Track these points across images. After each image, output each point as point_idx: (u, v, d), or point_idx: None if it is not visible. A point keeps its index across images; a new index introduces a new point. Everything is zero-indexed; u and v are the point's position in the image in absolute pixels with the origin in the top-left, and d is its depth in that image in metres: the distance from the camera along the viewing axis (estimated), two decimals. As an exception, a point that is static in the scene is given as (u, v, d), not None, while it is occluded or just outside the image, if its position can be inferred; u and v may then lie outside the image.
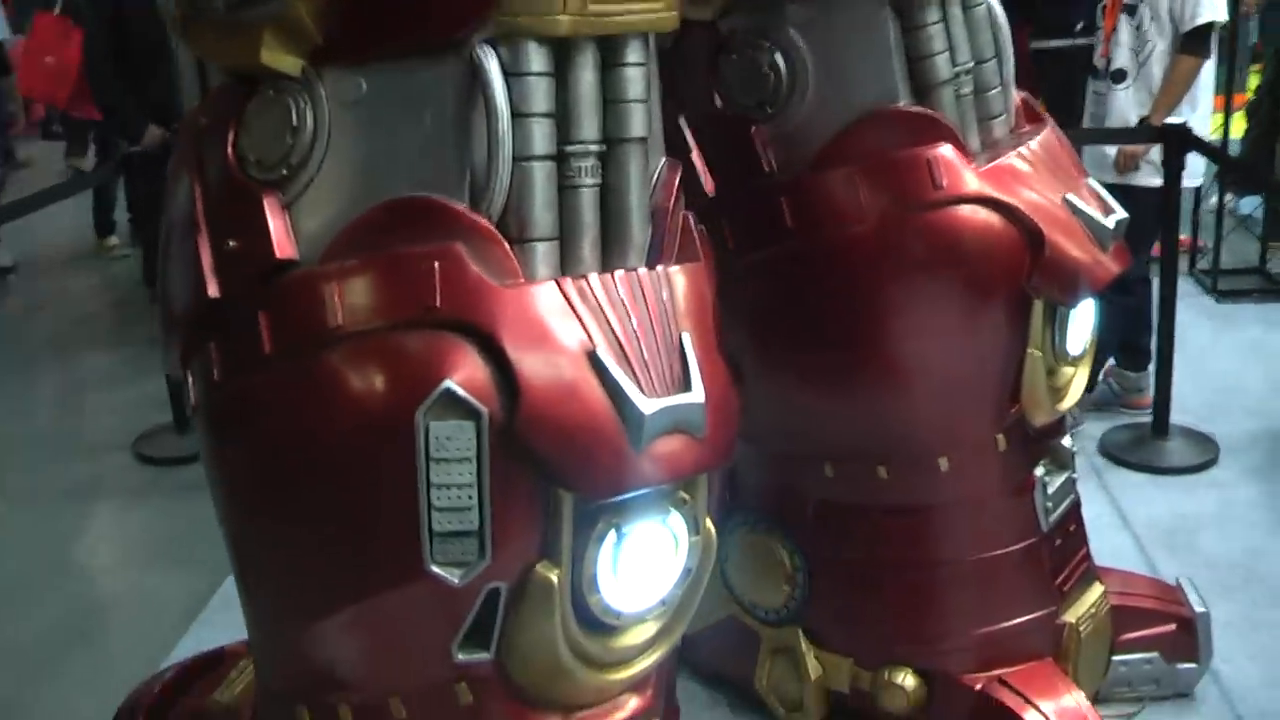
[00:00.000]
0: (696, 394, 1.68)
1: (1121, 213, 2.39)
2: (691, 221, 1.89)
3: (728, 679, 2.86)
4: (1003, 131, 2.42)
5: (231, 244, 1.77)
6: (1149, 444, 4.03)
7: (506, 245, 1.67)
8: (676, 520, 1.77)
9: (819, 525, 2.62)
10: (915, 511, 2.52)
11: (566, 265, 1.74)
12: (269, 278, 1.72)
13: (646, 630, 1.81)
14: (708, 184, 2.42)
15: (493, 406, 1.61)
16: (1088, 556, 2.72)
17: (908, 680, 2.57)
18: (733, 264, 2.43)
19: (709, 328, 1.79)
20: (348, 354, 1.66)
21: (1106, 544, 3.40)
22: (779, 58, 2.30)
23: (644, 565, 1.76)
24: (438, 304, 1.63)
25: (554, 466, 1.64)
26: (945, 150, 2.26)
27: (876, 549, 2.57)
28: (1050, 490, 2.56)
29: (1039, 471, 2.55)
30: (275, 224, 1.73)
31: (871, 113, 2.28)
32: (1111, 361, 4.35)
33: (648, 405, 1.63)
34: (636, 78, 1.78)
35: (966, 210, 2.27)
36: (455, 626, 1.71)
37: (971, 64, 2.35)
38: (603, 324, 1.66)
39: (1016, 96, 2.51)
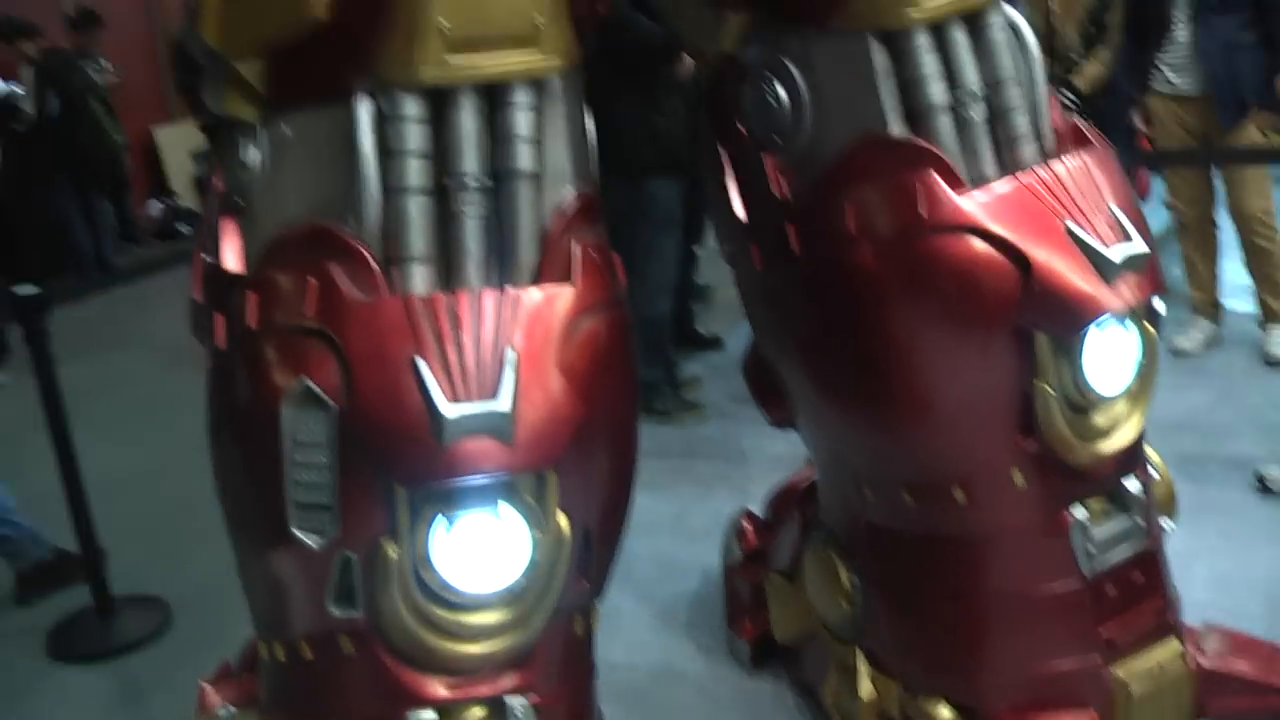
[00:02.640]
0: (501, 404, 1.88)
1: (1138, 245, 2.24)
2: (577, 249, 2.06)
3: (814, 693, 2.92)
4: (1032, 154, 2.33)
5: (208, 259, 2.17)
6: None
7: (373, 264, 1.96)
8: (510, 514, 1.97)
9: (870, 546, 2.64)
10: (944, 541, 2.48)
11: (451, 282, 2.00)
12: (225, 287, 2.11)
13: (498, 613, 2.02)
14: (739, 209, 2.55)
15: (342, 403, 1.91)
16: (1162, 611, 2.53)
17: (943, 712, 2.54)
18: (763, 285, 2.57)
19: (548, 345, 1.96)
20: (253, 350, 2.02)
21: None
22: (781, 88, 2.38)
23: (478, 552, 1.97)
24: (309, 314, 1.96)
25: (379, 456, 1.91)
26: (929, 177, 2.25)
27: (915, 576, 2.56)
28: (1097, 535, 2.43)
29: (1079, 514, 2.42)
30: (230, 244, 2.12)
31: (861, 140, 2.31)
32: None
33: (450, 409, 1.86)
34: (521, 118, 2.01)
35: (950, 238, 2.24)
36: (322, 585, 2.01)
37: (981, 88, 2.30)
38: (434, 336, 1.90)
39: (1060, 119, 2.41)
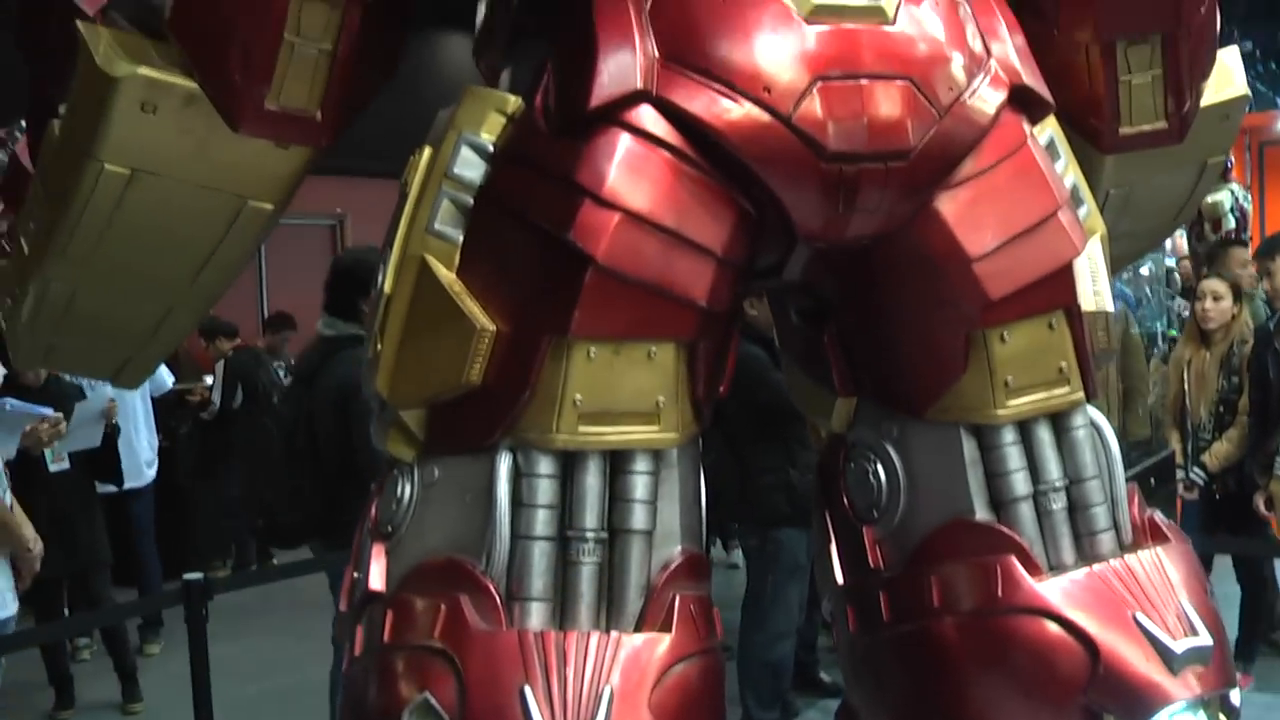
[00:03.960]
0: None
1: (1203, 640, 2.39)
2: (678, 601, 2.30)
3: None
4: (1109, 546, 2.54)
5: (356, 575, 2.47)
6: None
7: (497, 600, 2.24)
8: None
9: None
10: None
11: (564, 621, 2.26)
12: (366, 603, 2.40)
13: None
14: (839, 573, 2.77)
15: (455, 717, 2.15)
16: None
17: None
18: (856, 645, 2.75)
19: (641, 686, 2.19)
20: (386, 660, 2.29)
21: None
22: (880, 468, 2.63)
23: None
24: (436, 636, 2.23)
25: None
26: (1008, 561, 2.45)
27: None
28: None
29: None
30: (376, 565, 2.41)
31: (949, 522, 2.53)
32: None
33: None
34: (639, 483, 2.31)
35: (1025, 619, 2.43)
36: None
37: (1063, 481, 2.53)
38: (542, 669, 2.15)
39: (1139, 514, 2.60)
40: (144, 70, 2.34)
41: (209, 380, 9.97)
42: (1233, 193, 10.26)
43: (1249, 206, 10.80)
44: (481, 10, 2.73)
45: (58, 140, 2.55)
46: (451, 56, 11.44)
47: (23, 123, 2.95)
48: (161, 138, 2.40)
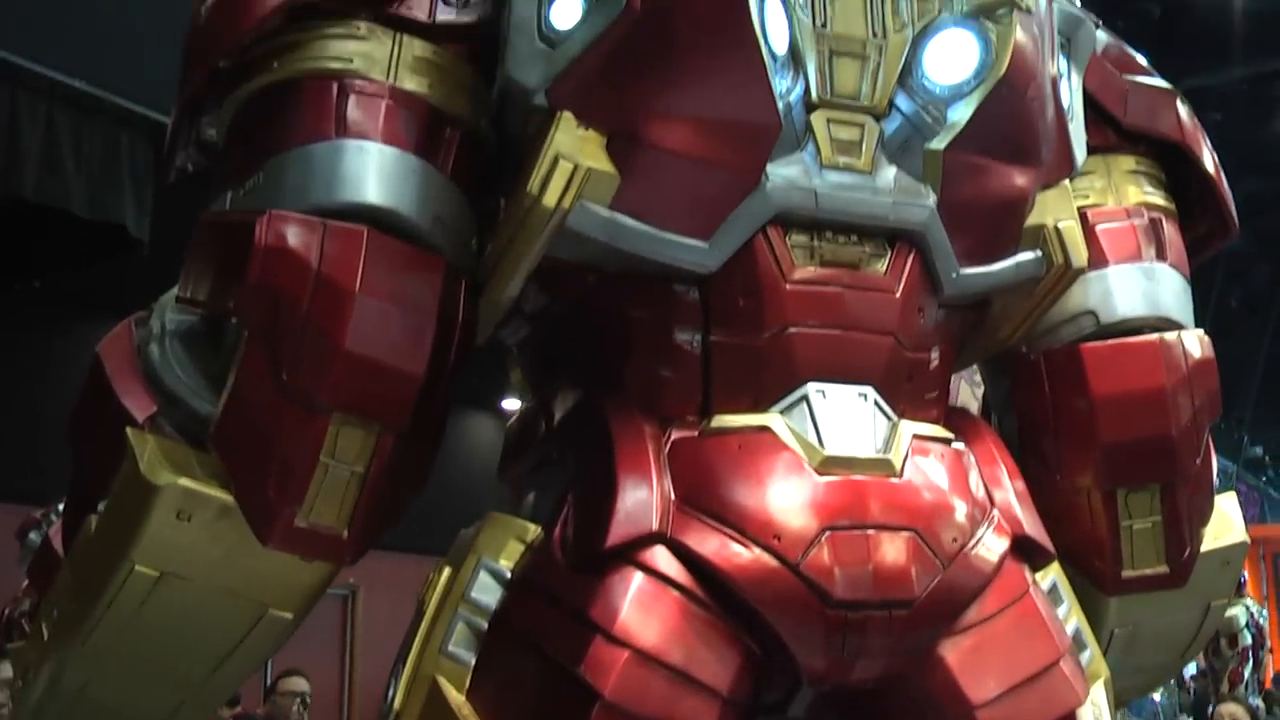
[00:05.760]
0: None
1: None
2: None
3: None
4: None
5: None
6: None
7: None
8: None
9: None
10: None
11: None
12: None
13: None
14: None
15: None
16: None
17: None
18: None
19: None
20: None
21: None
22: None
23: None
24: None
25: None
26: None
27: None
28: None
29: None
30: None
31: None
32: None
33: None
34: None
35: None
36: None
37: None
38: None
39: None
40: (184, 481, 2.44)
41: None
42: (1247, 608, 10.24)
43: (1265, 621, 10.74)
44: (514, 410, 2.88)
45: (93, 536, 2.63)
46: (476, 437, 11.75)
47: (60, 507, 3.03)
48: (193, 544, 2.47)
